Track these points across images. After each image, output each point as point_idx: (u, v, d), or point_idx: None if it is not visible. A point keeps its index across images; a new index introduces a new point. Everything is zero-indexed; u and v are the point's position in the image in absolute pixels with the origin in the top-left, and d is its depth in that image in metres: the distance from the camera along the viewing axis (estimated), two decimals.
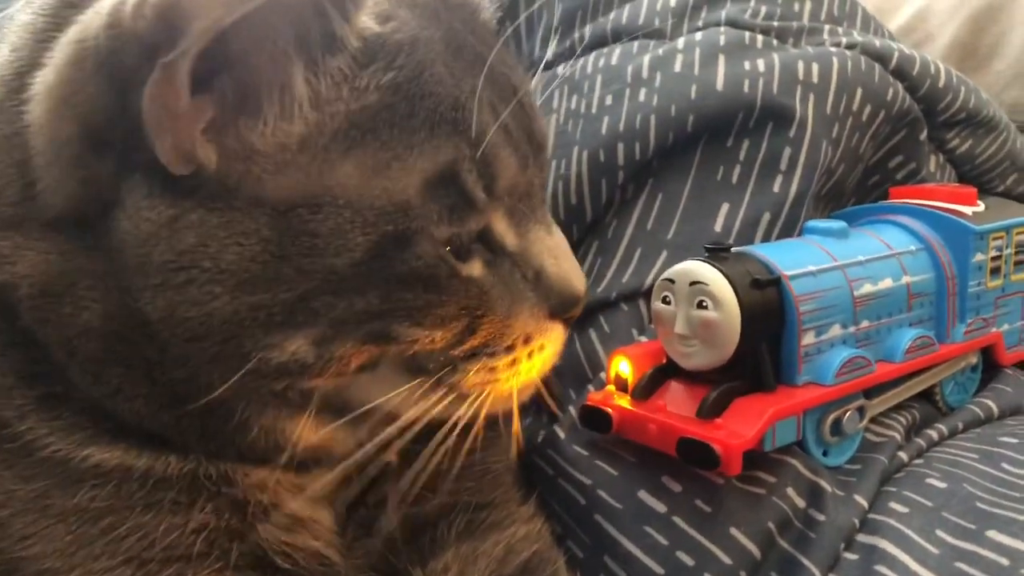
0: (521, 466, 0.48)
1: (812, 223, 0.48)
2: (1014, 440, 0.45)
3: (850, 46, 0.57)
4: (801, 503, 0.42)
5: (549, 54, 0.63)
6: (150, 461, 0.36)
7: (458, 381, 0.37)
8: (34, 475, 0.36)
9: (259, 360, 0.33)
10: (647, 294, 0.49)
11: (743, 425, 0.39)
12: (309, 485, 0.38)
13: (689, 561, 0.41)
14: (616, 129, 0.53)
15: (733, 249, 0.43)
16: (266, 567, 0.37)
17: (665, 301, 0.42)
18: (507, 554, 0.42)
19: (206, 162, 0.32)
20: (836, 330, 0.44)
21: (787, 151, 0.51)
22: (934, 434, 0.47)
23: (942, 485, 0.42)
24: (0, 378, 0.36)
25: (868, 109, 0.55)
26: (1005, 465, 0.43)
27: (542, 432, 0.48)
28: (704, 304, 0.41)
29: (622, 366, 0.45)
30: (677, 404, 0.42)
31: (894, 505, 0.42)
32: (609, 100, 0.55)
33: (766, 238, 0.50)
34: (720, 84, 0.53)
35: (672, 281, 0.42)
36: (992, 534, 0.38)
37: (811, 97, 0.53)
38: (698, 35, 0.56)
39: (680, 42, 0.56)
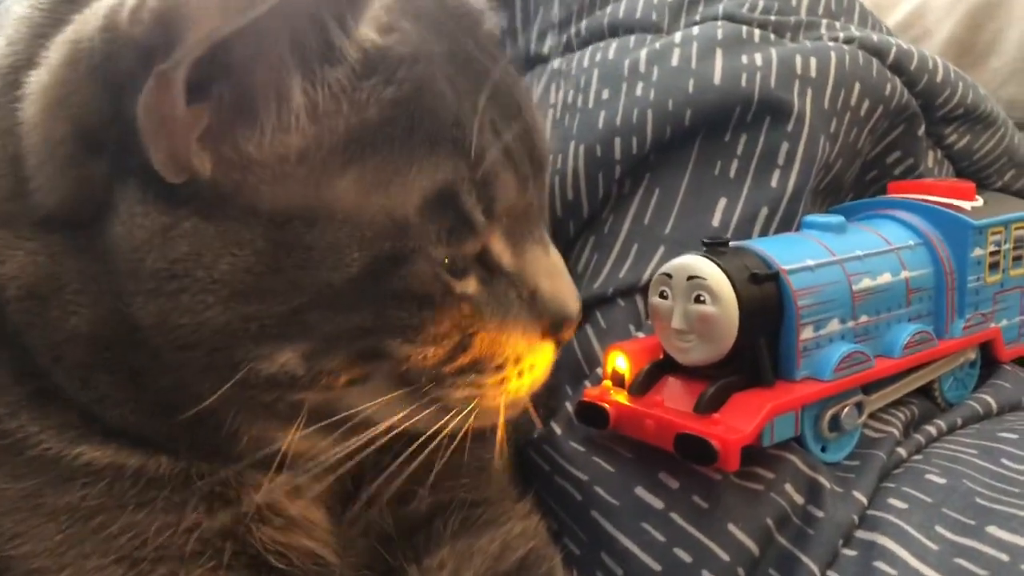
0: (517, 463, 0.48)
1: (810, 218, 0.48)
2: (1013, 436, 0.45)
3: (848, 41, 0.57)
4: (799, 499, 0.41)
5: (546, 48, 0.62)
6: (142, 460, 0.36)
7: (445, 395, 0.37)
8: (25, 473, 0.35)
9: (249, 371, 0.33)
10: (644, 289, 0.48)
11: (741, 420, 0.39)
12: (303, 485, 0.38)
13: (687, 558, 0.40)
14: (613, 123, 0.53)
15: (731, 244, 0.43)
16: (260, 566, 0.37)
17: (662, 296, 0.42)
18: (503, 551, 0.41)
19: (201, 171, 0.31)
20: (835, 325, 0.43)
21: (785, 145, 0.51)
22: (933, 430, 0.47)
23: (941, 481, 0.42)
24: None
25: (866, 104, 0.54)
26: (1005, 461, 0.43)
27: (538, 429, 0.47)
28: (702, 299, 0.40)
29: (619, 361, 0.45)
30: (674, 400, 0.42)
31: (893, 501, 0.41)
32: (606, 94, 0.54)
33: (764, 233, 0.50)
34: (718, 78, 0.52)
35: (669, 276, 0.42)
36: (992, 530, 0.38)
37: (809, 91, 0.52)
38: (695, 29, 0.56)
39: (677, 36, 0.56)
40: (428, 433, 0.37)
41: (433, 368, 0.36)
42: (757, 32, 0.56)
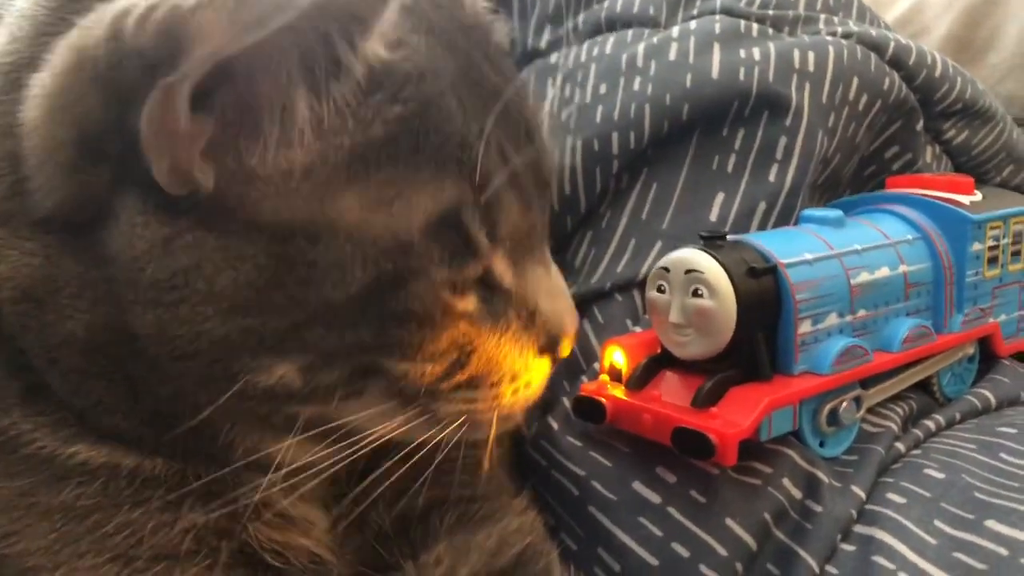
0: (514, 458, 0.47)
1: (808, 212, 0.47)
2: (1012, 430, 0.45)
3: (846, 35, 0.56)
4: (798, 494, 0.41)
5: (543, 43, 0.62)
6: (137, 460, 0.35)
7: (439, 408, 0.36)
8: (19, 472, 0.35)
9: (247, 382, 0.33)
10: (642, 284, 0.48)
11: (739, 415, 0.39)
12: (298, 483, 0.38)
13: (684, 552, 0.40)
14: (610, 118, 0.52)
15: (729, 237, 0.42)
16: (256, 565, 0.37)
17: (660, 290, 0.42)
18: (500, 546, 0.41)
19: (204, 184, 0.31)
20: (833, 319, 0.43)
21: (783, 140, 0.51)
22: (932, 425, 0.47)
23: (940, 475, 0.42)
24: None
25: (864, 98, 0.54)
26: (1003, 455, 0.43)
27: (535, 424, 0.47)
28: (699, 292, 0.40)
29: (616, 356, 0.44)
30: (672, 394, 0.42)
31: (892, 496, 0.41)
32: (603, 89, 0.54)
33: (761, 228, 0.50)
34: (715, 72, 0.52)
35: (667, 269, 0.42)
36: (991, 524, 0.38)
37: (807, 86, 0.52)
38: (693, 23, 0.56)
39: (675, 30, 0.55)
40: (420, 440, 0.37)
41: (430, 384, 0.36)
42: (755, 26, 0.56)
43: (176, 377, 0.33)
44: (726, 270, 0.40)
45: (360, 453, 0.36)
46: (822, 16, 0.58)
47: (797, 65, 0.53)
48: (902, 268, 0.47)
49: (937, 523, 0.39)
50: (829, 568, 0.39)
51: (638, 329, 0.48)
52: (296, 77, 0.30)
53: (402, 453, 0.37)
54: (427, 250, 0.33)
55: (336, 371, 0.34)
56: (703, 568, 0.40)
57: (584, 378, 0.47)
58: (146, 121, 0.29)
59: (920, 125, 0.58)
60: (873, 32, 0.57)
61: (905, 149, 0.58)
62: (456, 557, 0.40)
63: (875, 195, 0.54)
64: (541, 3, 0.63)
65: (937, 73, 0.58)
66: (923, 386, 0.50)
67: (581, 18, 0.61)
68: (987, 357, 0.53)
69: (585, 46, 0.58)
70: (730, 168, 0.51)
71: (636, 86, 0.53)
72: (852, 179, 0.58)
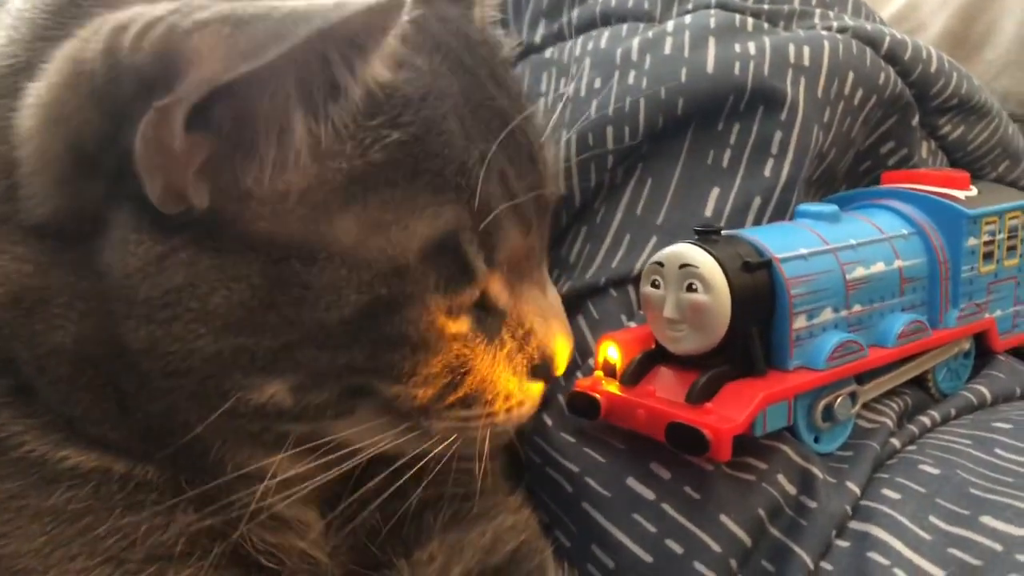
0: (509, 455, 0.47)
1: (804, 206, 0.47)
2: (1007, 426, 0.45)
3: (841, 30, 0.56)
4: (792, 490, 0.41)
5: (537, 37, 0.62)
6: (129, 466, 0.35)
7: (431, 425, 0.37)
8: (8, 474, 0.35)
9: (238, 400, 0.33)
10: (637, 280, 0.48)
11: (733, 410, 0.38)
12: (292, 491, 0.37)
13: (678, 549, 0.40)
14: (605, 112, 0.52)
15: (723, 232, 0.42)
16: (249, 567, 0.37)
17: (654, 285, 0.42)
18: (494, 543, 0.41)
19: (198, 203, 0.31)
20: (828, 314, 0.43)
21: (778, 135, 0.51)
22: (927, 420, 0.47)
23: (935, 471, 0.42)
24: None
25: (860, 93, 0.54)
26: (998, 451, 0.43)
27: (529, 421, 0.47)
28: (694, 287, 0.40)
29: (610, 351, 0.44)
30: (666, 389, 0.42)
31: (886, 492, 0.41)
32: (598, 83, 0.54)
33: (757, 223, 0.50)
34: (710, 67, 0.52)
35: (661, 264, 0.41)
36: (986, 520, 0.38)
37: (802, 80, 0.52)
38: (688, 17, 0.55)
39: (670, 25, 0.55)
40: (412, 455, 0.37)
41: (423, 405, 0.36)
42: (750, 21, 0.55)
43: (167, 393, 0.33)
44: (720, 265, 0.40)
45: (351, 465, 0.36)
46: (817, 11, 0.58)
47: (792, 60, 0.52)
48: (897, 263, 0.46)
49: (932, 519, 0.39)
50: (824, 564, 0.39)
51: (633, 324, 0.48)
52: (294, 99, 0.30)
53: (397, 465, 0.37)
54: (423, 275, 0.33)
55: (327, 391, 0.34)
56: (697, 565, 0.39)
57: (579, 374, 0.47)
58: (140, 141, 0.29)
59: (916, 120, 0.58)
60: (868, 27, 0.57)
61: (901, 144, 0.58)
62: (450, 555, 0.40)
63: (870, 190, 0.54)
64: None
65: (933, 68, 0.58)
66: (918, 382, 0.50)
67: (576, 12, 0.61)
68: (982, 353, 0.53)
69: (580, 40, 0.58)
70: (725, 163, 0.51)
71: (631, 80, 0.53)
72: (847, 174, 0.58)
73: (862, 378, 0.45)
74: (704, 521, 0.40)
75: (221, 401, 0.33)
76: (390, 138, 0.32)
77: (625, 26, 0.58)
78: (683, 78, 0.52)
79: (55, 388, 0.34)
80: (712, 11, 0.56)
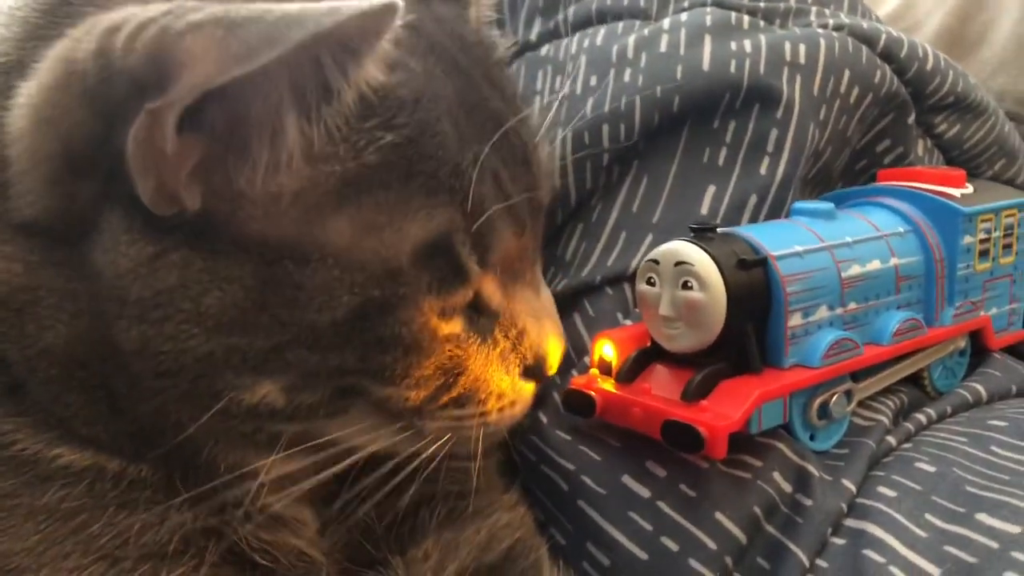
0: (504, 453, 0.47)
1: (799, 204, 0.47)
2: (1003, 423, 0.45)
3: (837, 28, 0.56)
4: (788, 487, 0.41)
5: (533, 35, 0.62)
6: (122, 465, 0.35)
7: (423, 425, 0.36)
8: (1, 473, 0.34)
9: (230, 400, 0.33)
10: (632, 278, 0.48)
11: (729, 407, 0.38)
12: (286, 488, 0.37)
13: (674, 546, 0.40)
14: (601, 110, 0.52)
15: (719, 229, 0.42)
16: (244, 564, 0.36)
17: (650, 282, 0.42)
18: (489, 541, 0.41)
19: (190, 205, 0.31)
20: (823, 312, 0.43)
21: (774, 133, 0.51)
22: (922, 418, 0.47)
23: (931, 469, 0.42)
24: None
25: (855, 91, 0.54)
26: (995, 448, 0.43)
27: (525, 419, 0.47)
28: (689, 285, 0.40)
29: (606, 349, 0.44)
30: (662, 387, 0.42)
31: (882, 489, 0.41)
32: (593, 81, 0.54)
33: (753, 221, 0.49)
34: (706, 65, 0.52)
35: (657, 262, 0.41)
36: (982, 517, 0.38)
37: (798, 78, 0.52)
38: (684, 15, 0.55)
39: (666, 22, 0.55)
40: (405, 455, 0.37)
41: (415, 407, 0.36)
42: (746, 18, 0.55)
43: (159, 393, 0.33)
44: (716, 262, 0.40)
45: (345, 465, 0.36)
46: (813, 8, 0.58)
47: (788, 57, 0.52)
48: (893, 261, 0.46)
49: (928, 516, 0.39)
50: (819, 562, 0.39)
51: (628, 322, 0.48)
52: (287, 101, 0.30)
53: (391, 464, 0.37)
54: (416, 277, 0.33)
55: (319, 392, 0.34)
56: (693, 562, 0.39)
57: (574, 372, 0.47)
58: (132, 143, 0.29)
59: (911, 118, 0.58)
60: (864, 25, 0.57)
61: (897, 143, 0.58)
62: (445, 552, 0.40)
63: (866, 188, 0.54)
64: None
65: (929, 66, 0.58)
66: (914, 380, 0.50)
67: (571, 10, 0.61)
68: (978, 351, 0.53)
69: (575, 38, 0.58)
70: (721, 161, 0.51)
71: (627, 78, 0.53)
72: (843, 172, 0.57)
73: (858, 376, 0.45)
74: (700, 519, 0.40)
75: (213, 401, 0.33)
76: (383, 140, 0.32)
77: (621, 24, 0.58)
78: (679, 76, 0.52)
79: (46, 388, 0.34)
80: (708, 9, 0.56)
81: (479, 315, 0.37)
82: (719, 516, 0.40)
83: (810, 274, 0.42)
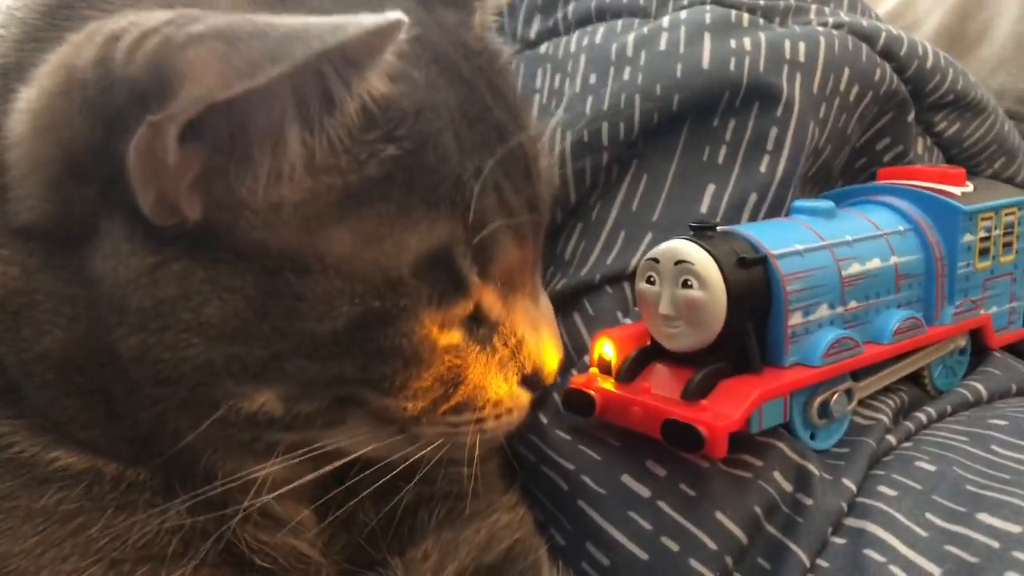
0: (504, 455, 0.47)
1: (799, 203, 0.47)
2: (1004, 422, 0.45)
3: (837, 26, 0.56)
4: (788, 487, 0.41)
5: (532, 33, 0.62)
6: (120, 468, 0.35)
7: (420, 432, 0.36)
8: None
9: (229, 408, 0.33)
10: (632, 276, 0.48)
11: (729, 407, 0.38)
12: (282, 487, 0.37)
13: (674, 546, 0.40)
14: (600, 109, 0.52)
15: (719, 228, 0.42)
16: (243, 566, 0.36)
17: (649, 281, 0.41)
18: (489, 542, 0.41)
19: (191, 215, 0.30)
20: (824, 310, 0.43)
21: (774, 131, 0.50)
22: (923, 417, 0.47)
23: (931, 468, 0.41)
24: None
25: (855, 89, 0.54)
26: (995, 447, 0.43)
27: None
28: (689, 283, 0.40)
29: (605, 348, 0.44)
30: (662, 386, 0.41)
31: (883, 488, 0.41)
32: (593, 79, 0.54)
33: (752, 219, 0.49)
34: (706, 63, 0.52)
35: (656, 261, 0.41)
36: (982, 517, 0.38)
37: (798, 76, 0.52)
38: (683, 13, 0.55)
39: (665, 20, 0.55)
40: (400, 455, 0.37)
41: (414, 417, 0.36)
42: (746, 16, 0.55)
43: (158, 401, 0.33)
44: (716, 261, 0.40)
45: (338, 465, 0.36)
46: (813, 6, 0.58)
47: (788, 55, 0.52)
48: (893, 259, 0.46)
49: (928, 516, 0.39)
50: (820, 561, 0.39)
51: (628, 321, 0.48)
52: (289, 114, 0.30)
53: (385, 465, 0.37)
54: (416, 288, 0.33)
55: (317, 401, 0.34)
56: (693, 562, 0.39)
57: (574, 371, 0.47)
58: (133, 154, 0.29)
59: (911, 117, 0.58)
60: (864, 23, 0.57)
61: (896, 141, 0.58)
62: (444, 552, 0.40)
63: (866, 186, 0.53)
64: None
65: (928, 64, 0.57)
66: (914, 378, 0.50)
67: (571, 8, 0.61)
68: (978, 349, 0.53)
69: (575, 36, 0.58)
70: (721, 159, 0.50)
71: (626, 76, 0.53)
72: (843, 171, 0.57)
73: (858, 375, 0.45)
74: (700, 518, 0.40)
75: (212, 410, 0.33)
76: (385, 153, 0.31)
77: (620, 22, 0.57)
78: (678, 74, 0.51)
79: (42, 393, 0.34)
80: (707, 7, 0.56)
81: (478, 325, 0.37)
82: (719, 516, 0.40)
83: (810, 273, 0.42)
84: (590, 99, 0.53)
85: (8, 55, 0.33)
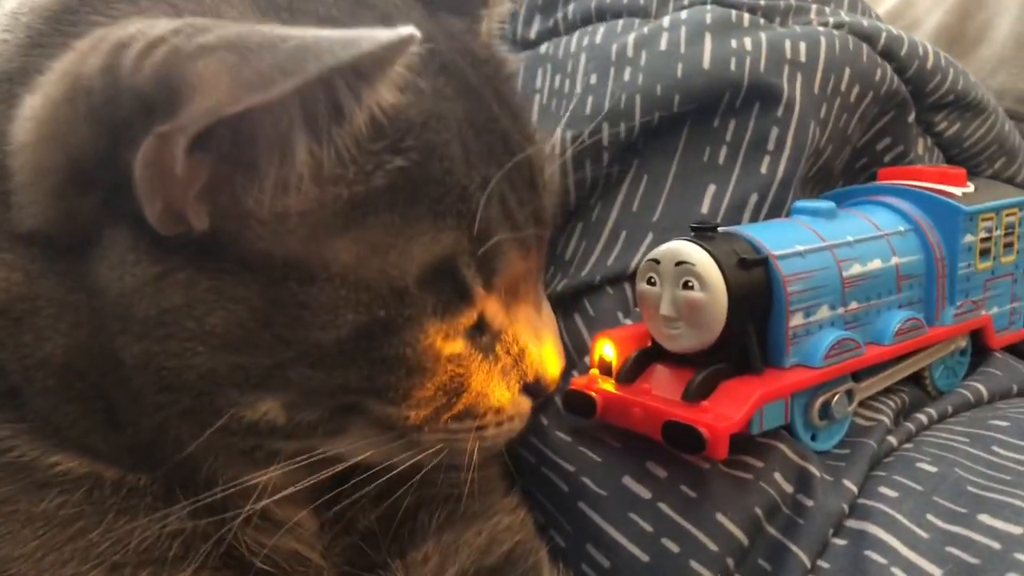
0: (504, 456, 0.47)
1: (800, 203, 0.47)
2: (1005, 423, 0.45)
3: (837, 26, 0.56)
4: (789, 488, 0.41)
5: (532, 33, 0.61)
6: (120, 473, 0.35)
7: (420, 438, 0.36)
8: None
9: (231, 417, 0.33)
10: (632, 277, 0.48)
11: (730, 408, 0.38)
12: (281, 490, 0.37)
13: (675, 548, 0.40)
14: (600, 109, 0.52)
15: (720, 229, 0.42)
16: (244, 569, 0.36)
17: (650, 282, 0.41)
18: (489, 544, 0.41)
19: (197, 225, 0.30)
20: (824, 311, 0.43)
21: (774, 131, 0.50)
22: (924, 418, 0.46)
23: (932, 469, 0.41)
24: None
25: (856, 89, 0.54)
26: (996, 448, 0.43)
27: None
28: (690, 284, 0.40)
29: (606, 349, 0.44)
30: (662, 387, 0.41)
31: (884, 490, 0.41)
32: (593, 79, 0.54)
33: (753, 220, 0.49)
34: (706, 63, 0.51)
35: (657, 261, 0.41)
36: (983, 518, 0.38)
37: (798, 76, 0.52)
38: (683, 13, 0.55)
39: (665, 20, 0.55)
40: (399, 460, 0.37)
41: (416, 425, 0.36)
42: (746, 16, 0.55)
43: (160, 409, 0.33)
44: (717, 262, 0.40)
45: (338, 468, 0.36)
46: (813, 6, 0.58)
47: (789, 56, 0.52)
48: (894, 260, 0.46)
49: (929, 517, 0.39)
50: (821, 563, 0.39)
51: (629, 322, 0.48)
52: (298, 125, 0.29)
53: (383, 468, 0.37)
54: (421, 298, 0.33)
55: (320, 410, 0.34)
56: (694, 564, 0.39)
57: (574, 372, 0.47)
58: (140, 164, 0.29)
59: (912, 117, 0.57)
60: (864, 23, 0.57)
61: (897, 141, 0.57)
62: (445, 555, 0.40)
63: (867, 187, 0.53)
64: None
65: (929, 64, 0.57)
66: (915, 379, 0.50)
67: (571, 7, 0.60)
68: (979, 350, 0.53)
69: (575, 36, 0.58)
70: (721, 160, 0.50)
71: (626, 76, 0.52)
72: (843, 172, 0.57)
73: (859, 376, 0.45)
74: (701, 520, 0.40)
75: (214, 418, 0.33)
76: (392, 164, 0.31)
77: (620, 21, 0.57)
78: (679, 74, 0.51)
79: (43, 398, 0.34)
80: (708, 7, 0.56)
81: (482, 334, 0.37)
82: (720, 517, 0.40)
83: (811, 273, 0.42)
84: (590, 99, 0.53)
85: (12, 60, 0.33)
